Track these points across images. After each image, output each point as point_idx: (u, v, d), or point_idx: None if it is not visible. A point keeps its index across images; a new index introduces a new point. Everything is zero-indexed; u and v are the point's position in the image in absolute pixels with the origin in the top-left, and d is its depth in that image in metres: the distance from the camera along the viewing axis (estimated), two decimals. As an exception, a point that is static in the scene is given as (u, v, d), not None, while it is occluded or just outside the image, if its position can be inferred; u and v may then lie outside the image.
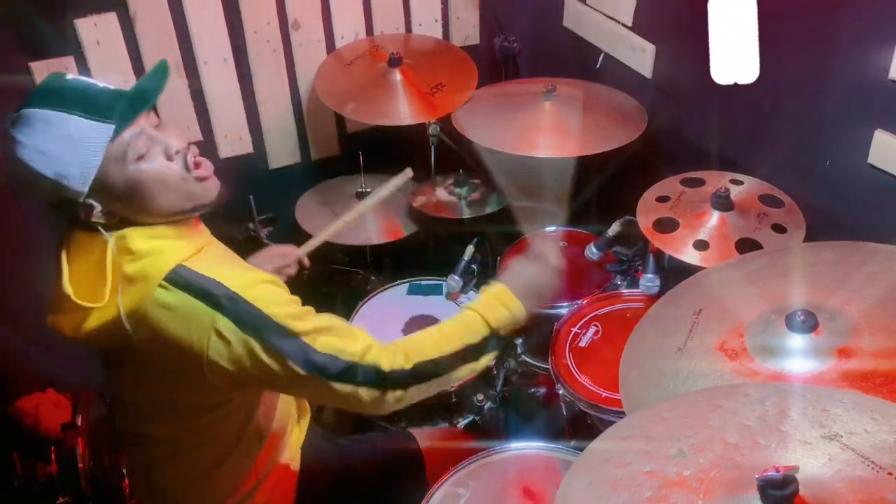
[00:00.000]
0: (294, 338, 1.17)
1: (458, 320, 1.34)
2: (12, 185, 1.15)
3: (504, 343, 1.38)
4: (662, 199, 1.69)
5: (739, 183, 1.69)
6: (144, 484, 1.41)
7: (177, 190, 1.18)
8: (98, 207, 1.14)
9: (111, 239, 1.15)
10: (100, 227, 1.16)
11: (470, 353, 1.31)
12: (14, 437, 1.90)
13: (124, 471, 1.88)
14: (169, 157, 1.18)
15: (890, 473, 0.81)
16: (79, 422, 1.91)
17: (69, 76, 1.17)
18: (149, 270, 1.14)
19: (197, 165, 1.21)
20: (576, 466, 0.97)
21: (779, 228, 1.55)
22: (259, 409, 1.34)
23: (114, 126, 1.11)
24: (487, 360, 1.34)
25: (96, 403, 1.98)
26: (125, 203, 1.16)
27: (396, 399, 1.24)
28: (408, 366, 1.24)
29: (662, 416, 0.99)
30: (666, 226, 1.61)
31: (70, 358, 2.03)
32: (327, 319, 1.23)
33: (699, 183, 1.71)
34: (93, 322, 1.15)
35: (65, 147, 1.10)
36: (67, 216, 1.18)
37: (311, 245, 1.79)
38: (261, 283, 1.19)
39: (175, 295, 1.13)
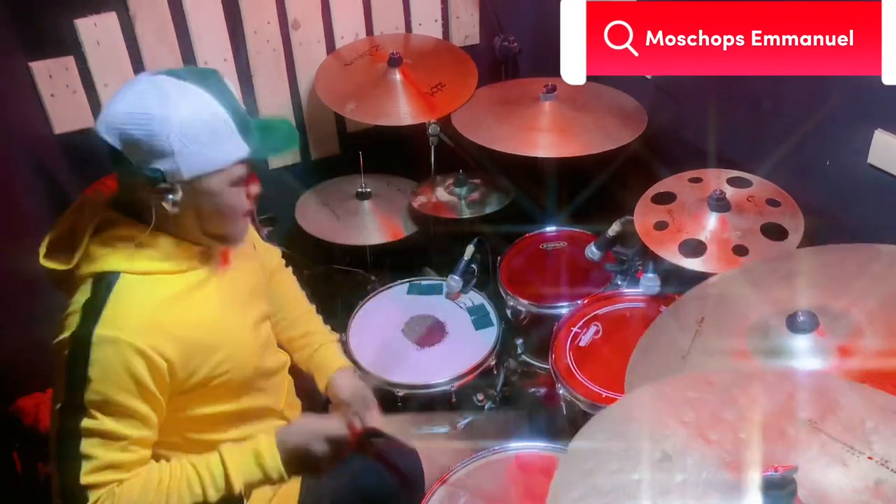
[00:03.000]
0: (78, 418, 1.11)
1: (196, 471, 1.19)
2: (119, 117, 1.11)
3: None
4: (660, 201, 1.69)
5: (738, 182, 1.69)
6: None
7: (231, 222, 1.24)
8: (176, 196, 1.15)
9: (153, 214, 1.17)
10: (152, 208, 1.16)
11: None
12: (14, 437, 1.90)
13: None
14: (248, 196, 1.24)
15: (870, 458, 0.82)
16: (79, 421, 1.91)
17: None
18: (98, 257, 1.17)
19: (251, 213, 1.27)
20: (557, 481, 0.92)
21: (778, 228, 1.56)
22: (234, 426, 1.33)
23: (248, 151, 1.17)
24: None
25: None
26: (196, 206, 1.18)
27: None
28: None
29: (632, 416, 0.98)
30: (663, 227, 1.61)
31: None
32: (125, 433, 1.13)
33: (698, 182, 1.72)
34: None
35: (207, 137, 1.13)
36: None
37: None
38: (122, 348, 1.12)
39: (87, 290, 1.15)
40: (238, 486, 1.20)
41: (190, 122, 1.11)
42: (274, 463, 1.23)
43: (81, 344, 1.12)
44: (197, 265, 1.25)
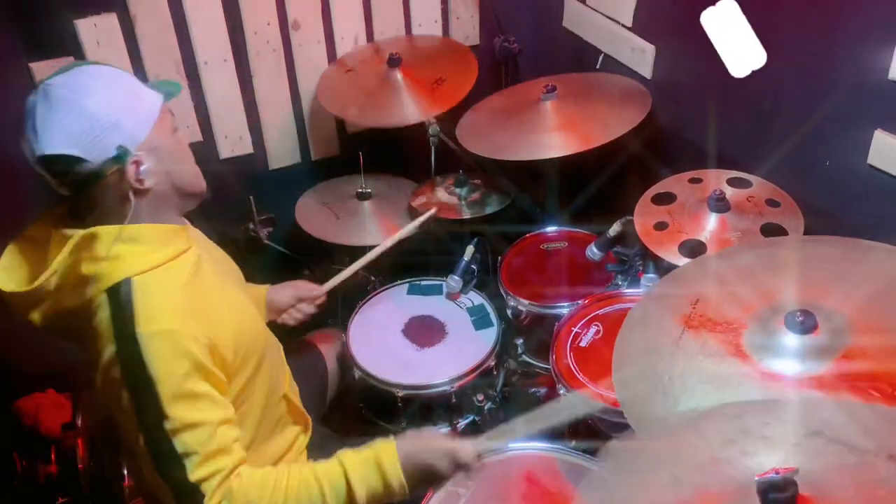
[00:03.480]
0: (161, 415, 1.11)
1: (317, 478, 1.19)
2: (56, 129, 1.11)
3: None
4: (660, 201, 1.69)
5: (738, 182, 1.69)
6: (141, 485, 1.42)
7: (194, 169, 1.29)
8: (147, 165, 1.17)
9: (132, 203, 1.17)
10: (130, 194, 1.17)
11: None
12: (14, 437, 1.90)
13: (125, 471, 1.89)
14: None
15: (876, 455, 0.82)
16: (79, 422, 1.91)
17: None
18: (101, 275, 1.15)
19: None
20: None
21: (778, 229, 1.56)
22: (254, 416, 1.34)
23: (163, 96, 1.23)
24: None
25: (96, 403, 1.98)
26: (163, 168, 1.21)
27: None
28: None
29: (646, 449, 0.99)
30: (663, 228, 1.61)
31: (70, 358, 2.03)
32: (208, 419, 1.14)
33: (698, 182, 1.72)
34: (39, 312, 1.20)
35: (131, 100, 1.18)
36: (67, 196, 1.19)
37: (332, 283, 1.81)
38: (174, 338, 1.13)
39: (105, 307, 1.14)
40: (361, 497, 1.17)
41: (110, 93, 1.15)
42: (395, 472, 1.19)
43: (130, 351, 1.11)
44: (185, 242, 1.27)
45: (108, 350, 1.13)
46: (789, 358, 1.08)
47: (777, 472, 0.78)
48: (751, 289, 1.21)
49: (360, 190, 2.24)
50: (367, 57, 2.29)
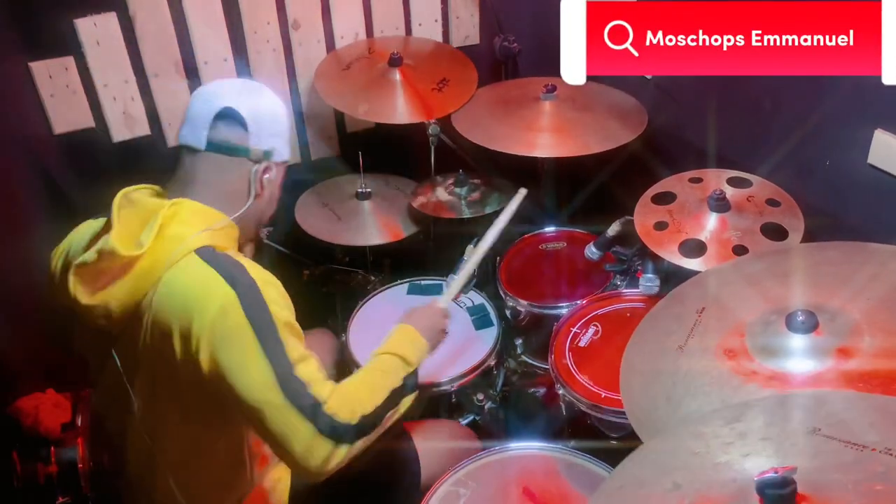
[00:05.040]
0: (283, 351, 1.18)
1: (377, 367, 1.36)
2: (252, 98, 1.33)
3: (416, 382, 1.39)
4: (660, 201, 1.69)
5: (738, 182, 1.69)
6: (141, 494, 1.41)
7: (271, 209, 1.42)
8: (272, 175, 1.36)
9: (251, 201, 1.33)
10: (251, 191, 1.32)
11: (395, 397, 1.33)
12: (14, 437, 1.90)
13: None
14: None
15: (874, 449, 0.81)
16: (79, 422, 1.91)
17: None
18: (186, 236, 1.21)
19: None
20: None
21: (778, 228, 1.56)
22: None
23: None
24: (408, 401, 1.35)
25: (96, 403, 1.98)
26: (270, 191, 1.38)
27: (342, 456, 1.21)
28: (353, 421, 1.23)
29: (649, 459, 0.99)
30: (663, 227, 1.61)
31: (70, 358, 2.03)
32: (310, 353, 1.24)
33: (698, 182, 1.72)
34: (116, 286, 1.19)
35: (288, 132, 1.41)
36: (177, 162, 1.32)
37: (453, 292, 1.66)
38: (277, 286, 1.24)
39: (199, 265, 1.19)
40: (411, 360, 1.38)
41: (285, 116, 1.39)
42: (418, 338, 1.43)
43: (250, 294, 1.18)
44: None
45: (219, 296, 1.16)
46: (792, 358, 1.08)
47: (776, 472, 0.78)
48: (754, 294, 1.21)
49: (360, 190, 2.24)
50: (363, 54, 2.28)
